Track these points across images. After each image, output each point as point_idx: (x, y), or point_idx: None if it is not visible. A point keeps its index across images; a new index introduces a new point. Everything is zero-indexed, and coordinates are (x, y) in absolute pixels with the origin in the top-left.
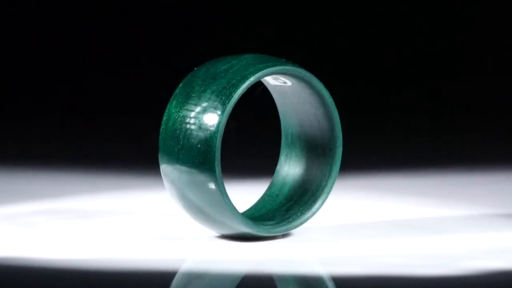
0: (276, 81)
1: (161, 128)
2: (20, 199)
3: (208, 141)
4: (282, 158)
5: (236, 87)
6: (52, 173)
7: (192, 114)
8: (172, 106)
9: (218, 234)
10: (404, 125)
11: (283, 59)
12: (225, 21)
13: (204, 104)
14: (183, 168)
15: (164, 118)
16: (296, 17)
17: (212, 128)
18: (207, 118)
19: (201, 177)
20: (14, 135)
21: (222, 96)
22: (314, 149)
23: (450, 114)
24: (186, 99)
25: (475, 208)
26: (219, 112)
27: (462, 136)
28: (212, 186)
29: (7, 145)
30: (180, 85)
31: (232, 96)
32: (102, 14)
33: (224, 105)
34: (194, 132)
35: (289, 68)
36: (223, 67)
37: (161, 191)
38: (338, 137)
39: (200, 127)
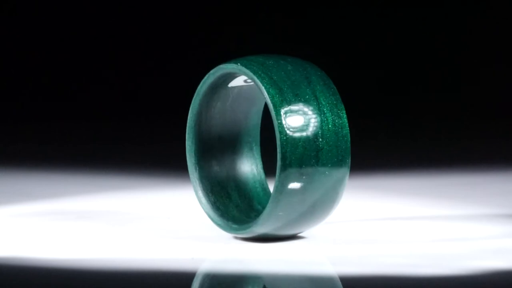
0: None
1: (284, 139)
2: (20, 199)
3: (345, 138)
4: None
5: (329, 82)
6: (52, 173)
7: (323, 115)
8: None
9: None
10: (405, 126)
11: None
12: (225, 21)
13: (327, 105)
14: (322, 170)
15: (280, 128)
16: (297, 16)
17: (345, 123)
18: (337, 116)
19: (337, 174)
20: (14, 135)
21: (330, 92)
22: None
23: (451, 114)
24: (305, 103)
25: (475, 208)
26: (341, 107)
27: (462, 136)
28: (345, 181)
29: (7, 145)
30: (273, 92)
31: (336, 91)
32: (102, 14)
33: (338, 100)
34: (331, 132)
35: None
36: (299, 66)
37: (161, 191)
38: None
39: (335, 125)
